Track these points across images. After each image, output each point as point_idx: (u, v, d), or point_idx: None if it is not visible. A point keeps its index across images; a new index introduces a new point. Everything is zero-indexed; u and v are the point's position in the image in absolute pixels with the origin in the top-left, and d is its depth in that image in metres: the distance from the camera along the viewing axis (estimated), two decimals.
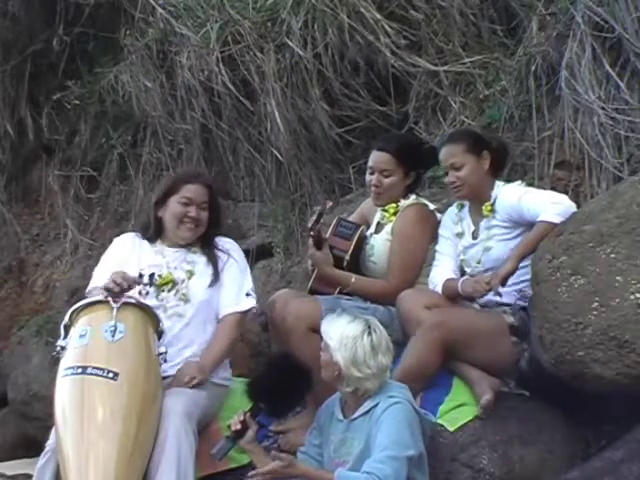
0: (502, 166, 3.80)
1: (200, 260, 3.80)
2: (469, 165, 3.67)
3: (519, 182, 3.74)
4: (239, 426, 3.34)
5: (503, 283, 3.48)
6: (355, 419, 3.22)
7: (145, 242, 3.85)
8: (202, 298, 3.73)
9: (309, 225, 3.88)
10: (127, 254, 3.82)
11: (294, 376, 3.35)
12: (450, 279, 3.69)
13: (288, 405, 3.47)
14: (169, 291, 3.72)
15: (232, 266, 3.82)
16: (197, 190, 3.80)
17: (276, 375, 3.36)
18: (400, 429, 3.07)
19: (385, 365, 3.20)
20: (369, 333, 3.19)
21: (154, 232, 3.85)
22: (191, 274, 3.77)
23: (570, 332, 3.21)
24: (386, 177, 3.93)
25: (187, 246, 3.82)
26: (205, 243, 3.84)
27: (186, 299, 3.72)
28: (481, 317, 3.59)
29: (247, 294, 3.81)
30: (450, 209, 3.87)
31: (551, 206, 3.46)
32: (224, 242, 3.90)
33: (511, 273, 3.47)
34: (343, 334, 3.20)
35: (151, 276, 3.70)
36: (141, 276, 3.69)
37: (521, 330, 3.52)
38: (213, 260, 3.80)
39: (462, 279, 3.66)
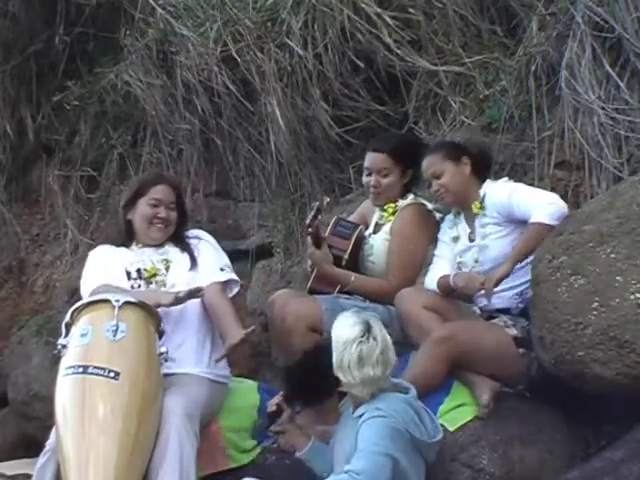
0: (486, 170, 3.79)
1: (173, 250, 3.83)
2: (449, 171, 3.71)
3: (505, 179, 3.76)
4: (274, 408, 3.41)
5: (496, 285, 3.49)
6: (354, 418, 3.21)
7: (120, 248, 3.88)
8: (184, 283, 3.70)
9: (307, 222, 3.88)
10: (109, 258, 3.84)
11: (329, 368, 3.33)
12: (443, 275, 3.70)
13: (321, 396, 3.45)
14: (157, 283, 3.73)
15: (204, 247, 3.85)
16: (165, 191, 3.85)
17: (313, 365, 3.35)
18: (379, 436, 3.05)
19: (372, 377, 3.14)
20: (361, 342, 3.14)
21: (125, 236, 3.88)
22: (167, 263, 3.78)
23: (570, 332, 3.21)
24: (384, 177, 3.94)
25: (157, 245, 3.85)
26: (176, 240, 3.87)
27: (167, 285, 3.71)
28: (488, 331, 3.56)
29: (221, 269, 3.80)
30: (448, 216, 3.89)
31: (543, 207, 3.47)
32: (191, 232, 3.94)
33: (505, 276, 3.48)
34: (338, 336, 3.19)
35: (138, 271, 3.74)
36: (128, 273, 3.73)
37: (526, 340, 3.51)
38: (187, 249, 3.83)
39: (454, 272, 3.66)
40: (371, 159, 3.98)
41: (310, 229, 3.86)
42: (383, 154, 3.95)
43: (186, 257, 3.81)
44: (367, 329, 3.17)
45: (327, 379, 3.31)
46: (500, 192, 3.63)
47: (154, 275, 3.75)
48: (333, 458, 3.29)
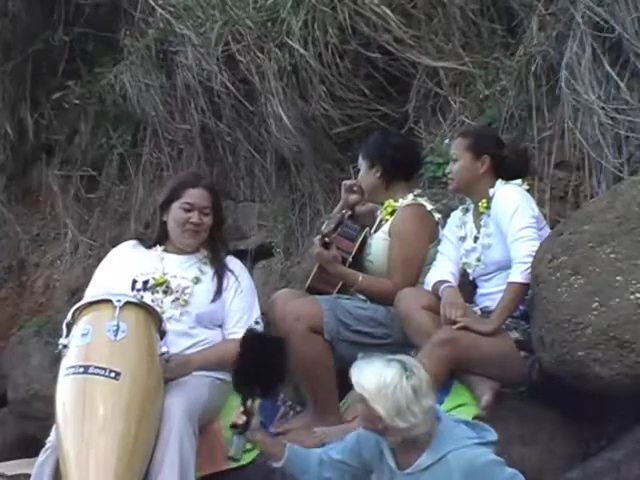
0: (513, 174, 3.72)
1: (209, 271, 3.77)
2: (463, 162, 3.71)
3: (519, 182, 3.73)
4: (244, 418, 3.19)
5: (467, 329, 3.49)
6: (411, 474, 2.86)
7: (143, 249, 3.84)
8: (202, 310, 3.70)
9: (324, 231, 3.87)
10: (122, 264, 3.81)
11: (271, 348, 3.23)
12: (438, 281, 3.69)
13: (279, 378, 3.28)
14: (164, 292, 3.68)
15: (242, 292, 3.79)
16: (199, 195, 3.76)
17: (254, 355, 3.20)
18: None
19: (429, 406, 2.81)
20: (407, 377, 2.79)
21: (158, 236, 3.84)
22: (198, 280, 3.74)
23: (570, 332, 3.21)
24: (360, 176, 4.05)
25: (195, 254, 3.80)
26: (214, 255, 3.81)
27: (185, 310, 3.67)
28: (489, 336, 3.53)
29: (256, 322, 3.77)
30: (455, 212, 3.88)
31: (519, 266, 3.48)
32: (234, 264, 3.86)
33: (485, 334, 3.47)
34: (380, 382, 2.79)
35: (145, 282, 3.70)
36: (135, 282, 3.69)
37: (527, 343, 3.50)
38: (220, 278, 3.76)
39: (444, 286, 3.65)
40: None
41: (327, 239, 3.84)
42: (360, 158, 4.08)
43: (214, 286, 3.74)
44: (403, 364, 2.83)
45: (276, 359, 3.20)
46: (504, 207, 3.59)
47: (161, 284, 3.69)
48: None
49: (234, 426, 3.21)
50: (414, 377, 2.80)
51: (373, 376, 2.81)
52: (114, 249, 3.97)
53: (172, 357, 3.48)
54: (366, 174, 4.00)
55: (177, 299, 3.68)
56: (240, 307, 3.75)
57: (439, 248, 3.84)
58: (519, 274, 3.48)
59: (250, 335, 3.33)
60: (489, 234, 3.67)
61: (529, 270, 3.45)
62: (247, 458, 3.64)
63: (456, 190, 3.85)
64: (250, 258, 5.07)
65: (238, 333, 3.62)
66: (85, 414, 3.15)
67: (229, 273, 3.79)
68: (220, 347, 3.68)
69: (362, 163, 4.04)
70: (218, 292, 3.73)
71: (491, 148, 3.73)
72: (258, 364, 3.18)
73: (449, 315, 3.51)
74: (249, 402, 3.19)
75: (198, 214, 3.74)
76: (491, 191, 3.66)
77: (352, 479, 3.04)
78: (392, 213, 3.93)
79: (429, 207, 3.95)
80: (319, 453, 3.13)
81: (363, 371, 2.84)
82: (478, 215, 3.73)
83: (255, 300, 3.84)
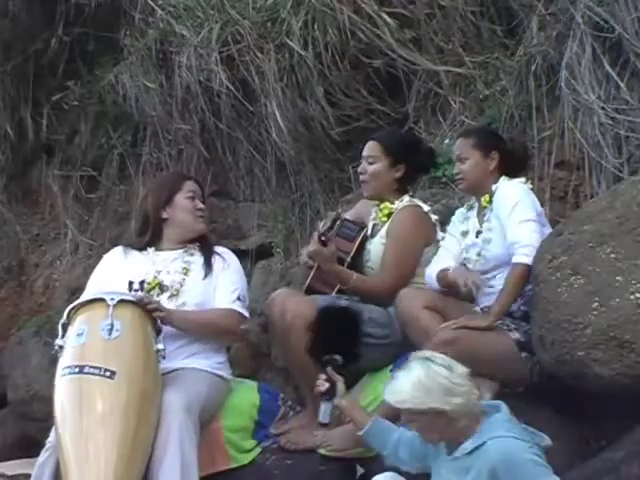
0: (516, 169, 3.74)
1: (197, 261, 3.83)
2: (473, 160, 3.69)
3: (522, 180, 3.72)
4: (326, 385, 3.30)
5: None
6: (456, 458, 2.89)
7: (134, 252, 3.88)
8: (197, 300, 3.73)
9: (321, 230, 3.86)
10: (115, 268, 3.85)
11: (346, 318, 3.42)
12: (443, 269, 3.67)
13: (356, 345, 3.43)
14: (160, 291, 3.72)
15: (229, 268, 3.85)
16: (194, 185, 3.95)
17: (332, 325, 3.39)
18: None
19: (465, 371, 2.88)
20: (430, 361, 2.86)
21: (151, 236, 3.87)
22: (187, 271, 3.78)
23: (570, 332, 3.20)
24: (370, 164, 3.93)
25: (183, 248, 3.85)
26: (204, 242, 3.90)
27: (182, 302, 3.71)
28: (490, 335, 3.50)
29: (238, 298, 3.80)
30: (459, 210, 3.88)
31: (522, 249, 3.47)
32: (222, 251, 3.94)
33: (486, 328, 3.46)
34: (414, 385, 2.81)
35: (141, 283, 3.74)
36: (131, 283, 3.73)
37: (528, 344, 3.48)
38: (209, 261, 3.83)
39: (454, 267, 3.64)
40: (365, 147, 3.99)
41: (323, 237, 3.83)
42: (374, 142, 3.96)
43: (204, 268, 3.81)
44: (417, 358, 2.92)
45: (352, 328, 3.40)
46: (505, 201, 3.59)
47: (154, 287, 3.73)
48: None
49: (320, 394, 3.33)
50: (435, 358, 2.87)
51: (405, 385, 2.83)
52: (105, 256, 4.01)
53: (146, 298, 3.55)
54: (386, 171, 3.92)
55: (172, 294, 3.72)
56: (229, 280, 3.81)
57: (442, 243, 3.82)
58: (523, 255, 3.45)
59: (327, 308, 3.51)
60: (490, 228, 3.66)
61: (533, 253, 3.43)
62: (246, 459, 3.65)
63: (467, 190, 3.80)
64: (250, 258, 5.08)
65: (223, 303, 3.75)
66: (83, 410, 3.15)
67: (218, 257, 3.87)
68: (203, 311, 3.74)
69: (377, 152, 3.92)
70: (209, 269, 3.80)
71: (496, 142, 3.76)
72: (334, 335, 3.37)
73: (464, 283, 3.49)
74: (329, 369, 3.32)
75: (200, 201, 3.91)
76: (494, 187, 3.67)
77: (418, 460, 3.08)
78: (388, 215, 3.91)
79: (426, 208, 3.94)
80: (399, 432, 3.14)
81: (393, 390, 2.86)
82: (481, 210, 3.73)
83: (243, 278, 3.92)
